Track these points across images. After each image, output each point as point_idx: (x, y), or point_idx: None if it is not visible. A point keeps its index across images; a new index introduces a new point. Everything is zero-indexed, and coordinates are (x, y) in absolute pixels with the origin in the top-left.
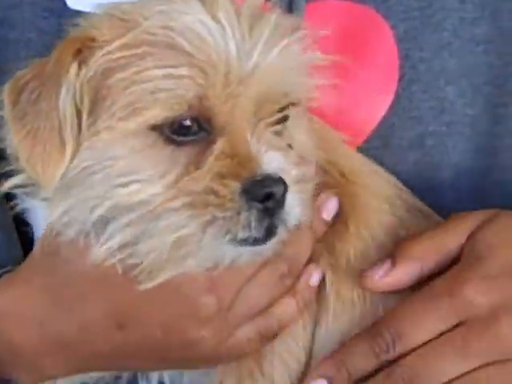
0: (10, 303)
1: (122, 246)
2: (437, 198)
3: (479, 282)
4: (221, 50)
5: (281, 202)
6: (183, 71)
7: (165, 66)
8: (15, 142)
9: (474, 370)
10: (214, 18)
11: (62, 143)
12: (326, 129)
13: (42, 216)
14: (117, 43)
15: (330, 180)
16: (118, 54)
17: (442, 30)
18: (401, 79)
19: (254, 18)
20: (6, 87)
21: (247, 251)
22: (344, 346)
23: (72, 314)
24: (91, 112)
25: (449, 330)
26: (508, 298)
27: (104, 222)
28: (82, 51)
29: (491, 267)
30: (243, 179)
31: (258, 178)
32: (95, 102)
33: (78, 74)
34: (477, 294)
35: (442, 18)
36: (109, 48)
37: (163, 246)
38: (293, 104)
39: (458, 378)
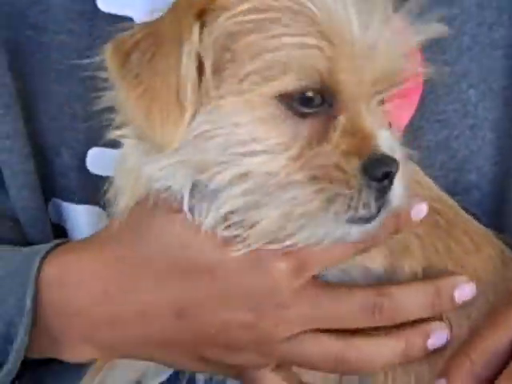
0: (70, 269)
1: (231, 214)
2: (462, 199)
3: None
4: (345, 21)
5: (393, 180)
6: (313, 41)
7: (295, 34)
8: (130, 101)
9: None
10: None
11: (182, 104)
12: None
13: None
14: (243, 6)
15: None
16: (245, 18)
17: (462, 35)
18: (426, 82)
19: None
20: (109, 49)
21: (356, 230)
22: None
23: (136, 294)
24: (214, 75)
25: None
26: None
27: (213, 189)
28: (204, 12)
29: None
30: (365, 156)
31: (378, 157)
32: (219, 66)
33: (200, 36)
34: None
35: (462, 23)
36: (234, 11)
37: (283, 218)
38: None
39: None
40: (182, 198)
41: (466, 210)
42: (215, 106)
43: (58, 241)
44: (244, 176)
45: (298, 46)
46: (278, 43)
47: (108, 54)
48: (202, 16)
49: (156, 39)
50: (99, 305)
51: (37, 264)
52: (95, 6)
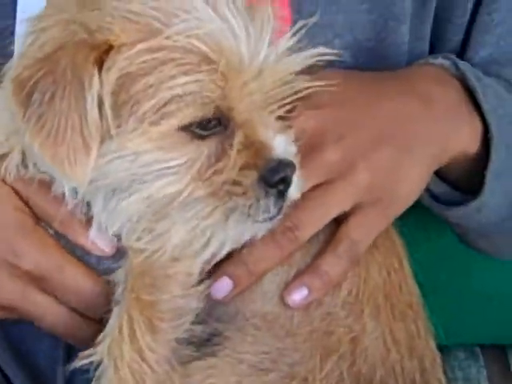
0: None
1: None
2: None
3: (308, 111)
4: (235, 53)
5: (290, 182)
6: (206, 75)
7: (188, 71)
8: (36, 145)
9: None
10: (224, 20)
11: (87, 145)
12: None
13: None
14: (138, 47)
15: None
16: (140, 59)
17: None
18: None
19: (251, 11)
20: (10, 90)
21: (263, 227)
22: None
23: None
24: (114, 115)
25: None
26: (332, 122)
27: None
28: (102, 57)
29: (320, 99)
30: (260, 167)
31: (273, 165)
32: (118, 105)
33: (100, 80)
34: (309, 119)
35: None
36: (130, 52)
37: (189, 234)
38: (296, 92)
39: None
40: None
41: None
42: (121, 143)
43: None
44: (149, 199)
45: (193, 82)
46: (173, 82)
47: (10, 95)
48: (100, 57)
49: (55, 79)
50: None
51: None
52: None
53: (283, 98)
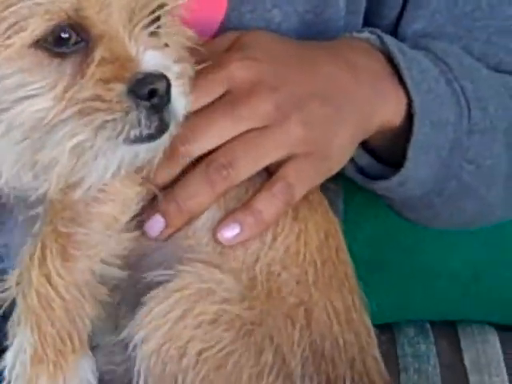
0: None
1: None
2: None
3: (242, 60)
4: None
5: (166, 98)
6: None
7: None
8: None
9: (246, 132)
10: None
11: None
12: None
13: None
14: None
15: None
16: None
17: None
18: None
19: None
20: None
21: (143, 148)
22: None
23: None
24: None
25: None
26: (266, 74)
27: None
28: None
29: (256, 51)
30: (127, 80)
31: (140, 77)
32: None
33: None
34: (238, 69)
35: None
36: None
37: (62, 157)
38: (162, 5)
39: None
40: None
41: None
42: None
43: None
44: (18, 123)
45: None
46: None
47: None
48: None
49: None
50: None
51: None
52: None
53: (152, 12)
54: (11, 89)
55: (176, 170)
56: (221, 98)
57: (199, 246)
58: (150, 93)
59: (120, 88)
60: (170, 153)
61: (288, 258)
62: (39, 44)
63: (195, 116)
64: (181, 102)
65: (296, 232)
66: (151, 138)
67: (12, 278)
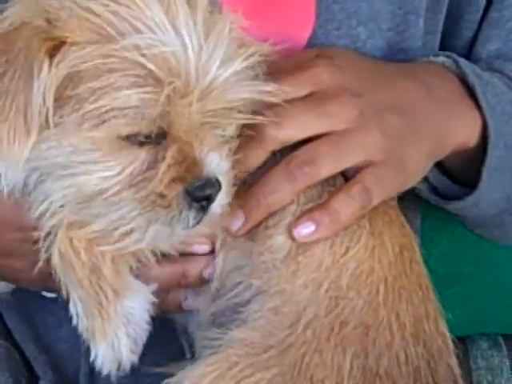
0: None
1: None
2: None
3: (328, 65)
4: (182, 75)
5: (214, 199)
6: (149, 91)
7: (133, 85)
8: None
9: (330, 132)
10: (178, 38)
11: (28, 129)
12: None
13: None
14: (90, 50)
15: None
16: (90, 62)
17: None
18: (318, 17)
19: (209, 26)
20: None
21: (182, 234)
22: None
23: None
24: (58, 108)
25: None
26: (350, 82)
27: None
28: (54, 49)
29: (341, 62)
30: (187, 183)
31: (200, 184)
32: (63, 100)
33: (49, 71)
34: (325, 73)
35: None
36: (81, 53)
37: (110, 225)
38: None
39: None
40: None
41: None
42: (59, 136)
43: None
44: (78, 188)
45: (135, 95)
46: (116, 93)
47: None
48: (53, 49)
49: (8, 59)
50: None
51: None
52: None
53: (225, 119)
54: (84, 161)
55: (263, 155)
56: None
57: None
58: (203, 198)
59: (180, 189)
60: (259, 138)
61: (359, 277)
62: (125, 137)
63: (286, 105)
64: (223, 199)
65: (370, 248)
66: (194, 225)
67: (41, 233)
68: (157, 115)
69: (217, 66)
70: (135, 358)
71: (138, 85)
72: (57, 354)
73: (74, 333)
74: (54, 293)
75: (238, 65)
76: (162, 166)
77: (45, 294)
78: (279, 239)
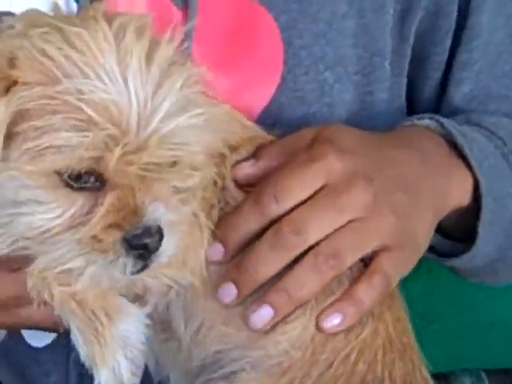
0: None
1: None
2: None
3: (337, 152)
4: (123, 121)
5: (156, 247)
6: (86, 136)
7: (72, 128)
8: None
9: (348, 222)
10: (125, 84)
11: None
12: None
13: None
14: (37, 90)
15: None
16: (36, 102)
17: (317, 21)
18: (286, 63)
19: (162, 78)
20: None
21: (124, 279)
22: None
23: None
24: (7, 143)
25: (317, 192)
26: (360, 165)
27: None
28: (8, 88)
29: (343, 143)
30: (125, 231)
31: (138, 232)
32: (12, 136)
33: (2, 108)
34: (336, 161)
35: (317, 10)
36: (29, 92)
37: (53, 269)
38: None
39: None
40: None
41: None
42: (2, 175)
43: None
44: (23, 227)
45: (73, 138)
46: (58, 132)
47: None
48: (7, 88)
49: None
50: None
51: None
52: None
53: (165, 174)
54: (26, 198)
55: (285, 262)
56: (320, 189)
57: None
58: (141, 246)
59: (117, 236)
60: (280, 245)
61: (365, 350)
62: (60, 173)
63: (298, 210)
64: (169, 249)
65: (375, 329)
66: (137, 272)
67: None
68: (93, 160)
69: (159, 120)
70: (136, 381)
71: (77, 128)
72: None
73: (62, 382)
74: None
75: (182, 120)
76: (99, 212)
77: (30, 342)
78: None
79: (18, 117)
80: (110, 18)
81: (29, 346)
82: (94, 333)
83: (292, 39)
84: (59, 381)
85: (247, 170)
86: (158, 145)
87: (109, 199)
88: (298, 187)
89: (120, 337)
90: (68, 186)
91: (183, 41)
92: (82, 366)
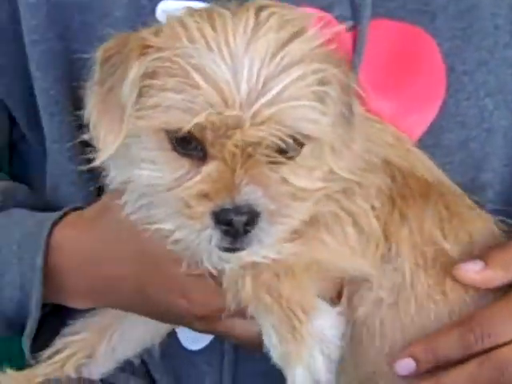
0: (67, 240)
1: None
2: (478, 197)
3: None
4: (233, 92)
5: (244, 229)
6: (198, 102)
7: (186, 91)
8: (91, 104)
9: None
10: (243, 63)
11: (122, 123)
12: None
13: None
14: (164, 54)
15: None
16: (161, 64)
17: (480, 49)
18: (448, 88)
19: (271, 48)
20: (98, 52)
21: (225, 255)
22: (435, 334)
23: (104, 266)
24: (136, 103)
25: None
26: None
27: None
28: (146, 51)
29: None
30: (216, 204)
31: (228, 207)
32: (140, 95)
33: (136, 69)
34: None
35: (481, 39)
36: (157, 56)
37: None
38: (299, 142)
39: None
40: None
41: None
42: (131, 125)
43: (66, 209)
44: (137, 178)
45: (185, 101)
46: (173, 92)
47: (97, 57)
48: (142, 52)
49: (119, 57)
50: (80, 275)
51: (47, 229)
52: (155, 18)
53: (271, 149)
54: (146, 159)
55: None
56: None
57: None
58: (227, 222)
59: (207, 207)
60: (479, 378)
61: None
62: (169, 136)
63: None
64: (266, 238)
65: None
66: (226, 250)
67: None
68: (198, 124)
69: (268, 101)
70: (331, 377)
71: (187, 93)
72: None
73: None
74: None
75: (290, 91)
76: (195, 179)
77: (186, 346)
78: None
79: (147, 77)
80: (261, 8)
81: (185, 348)
82: (290, 330)
83: (455, 65)
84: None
85: (473, 275)
86: (261, 123)
87: (207, 169)
88: (509, 328)
89: (316, 333)
90: (175, 150)
91: (352, 63)
92: (235, 369)
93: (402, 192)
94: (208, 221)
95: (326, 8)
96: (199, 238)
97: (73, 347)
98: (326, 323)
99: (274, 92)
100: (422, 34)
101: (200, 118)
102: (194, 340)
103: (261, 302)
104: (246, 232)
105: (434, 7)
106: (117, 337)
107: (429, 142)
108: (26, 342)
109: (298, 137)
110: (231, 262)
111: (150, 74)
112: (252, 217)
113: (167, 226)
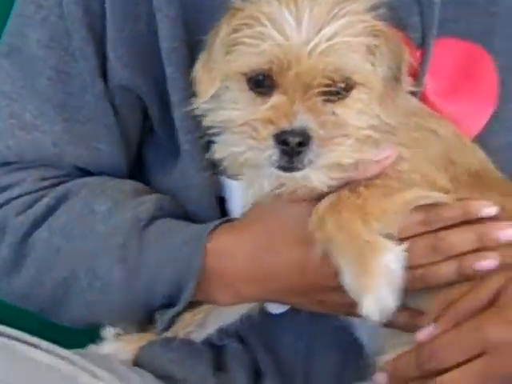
0: (228, 245)
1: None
2: None
3: (499, 324)
4: (294, 33)
5: (298, 150)
6: (266, 43)
7: (258, 37)
8: (198, 65)
9: None
10: (297, 6)
11: (215, 71)
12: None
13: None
14: (244, 13)
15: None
16: (240, 21)
17: None
18: (500, 96)
19: (329, 3)
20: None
21: (277, 173)
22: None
23: (269, 259)
24: (226, 55)
25: (472, 358)
26: None
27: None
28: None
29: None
30: (278, 127)
31: (286, 129)
32: (229, 50)
33: (226, 28)
34: (497, 334)
35: None
36: (242, 15)
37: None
38: (350, 84)
39: None
40: None
41: None
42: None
43: (219, 221)
44: (220, 119)
45: (257, 46)
46: (249, 41)
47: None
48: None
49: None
50: (243, 269)
51: (205, 237)
52: None
53: (333, 86)
54: (227, 98)
55: None
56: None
57: None
58: (284, 142)
59: (271, 130)
60: None
61: None
62: (246, 79)
63: (458, 369)
64: (320, 157)
65: None
66: (283, 169)
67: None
68: (269, 63)
69: (328, 37)
70: (396, 304)
71: (260, 39)
72: (279, 357)
73: (295, 339)
74: None
75: (343, 32)
76: (263, 107)
77: (270, 310)
78: None
79: (234, 33)
80: None
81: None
82: (361, 264)
83: (506, 79)
84: (305, 347)
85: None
86: (322, 54)
87: (273, 99)
88: (453, 354)
89: (384, 267)
90: (251, 89)
91: (420, 73)
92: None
93: (457, 178)
94: (270, 142)
95: (401, 28)
96: (262, 157)
97: (186, 319)
98: (392, 258)
99: (329, 32)
100: (479, 49)
101: (266, 56)
102: (274, 304)
103: (337, 243)
104: (300, 153)
105: (495, 27)
106: (222, 309)
107: (478, 145)
108: (161, 325)
109: (347, 74)
110: (288, 184)
111: (237, 31)
112: (305, 139)
113: (240, 148)
